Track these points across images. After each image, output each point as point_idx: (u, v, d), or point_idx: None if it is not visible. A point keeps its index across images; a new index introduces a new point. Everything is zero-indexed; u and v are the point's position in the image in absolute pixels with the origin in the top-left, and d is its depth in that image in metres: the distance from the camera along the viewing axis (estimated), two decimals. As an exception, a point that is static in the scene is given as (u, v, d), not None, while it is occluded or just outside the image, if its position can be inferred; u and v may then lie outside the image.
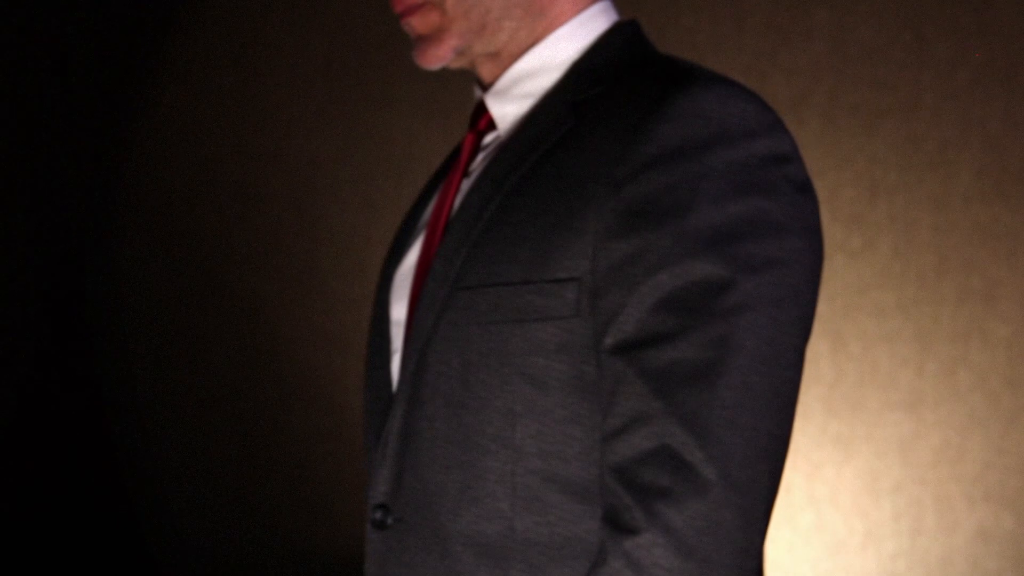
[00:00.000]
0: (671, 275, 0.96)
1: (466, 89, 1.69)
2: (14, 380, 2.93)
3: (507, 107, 1.15)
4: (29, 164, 2.98)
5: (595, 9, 1.18)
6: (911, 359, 2.46)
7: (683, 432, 0.94)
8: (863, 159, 2.48)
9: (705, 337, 0.95)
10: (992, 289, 2.42)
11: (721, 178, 0.99)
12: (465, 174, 1.14)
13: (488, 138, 1.17)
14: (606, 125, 1.05)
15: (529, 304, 1.01)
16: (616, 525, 0.94)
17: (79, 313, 3.01)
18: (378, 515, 1.11)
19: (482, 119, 1.17)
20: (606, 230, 0.98)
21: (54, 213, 2.99)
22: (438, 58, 1.13)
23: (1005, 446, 2.42)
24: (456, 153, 1.28)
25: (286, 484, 2.85)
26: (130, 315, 2.98)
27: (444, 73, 2.70)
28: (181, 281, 2.92)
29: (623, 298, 0.96)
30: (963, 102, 2.43)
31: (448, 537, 1.07)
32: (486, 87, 1.17)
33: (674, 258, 0.96)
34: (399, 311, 1.16)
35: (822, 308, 2.49)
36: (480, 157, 1.15)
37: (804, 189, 1.03)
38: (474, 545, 1.06)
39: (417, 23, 1.13)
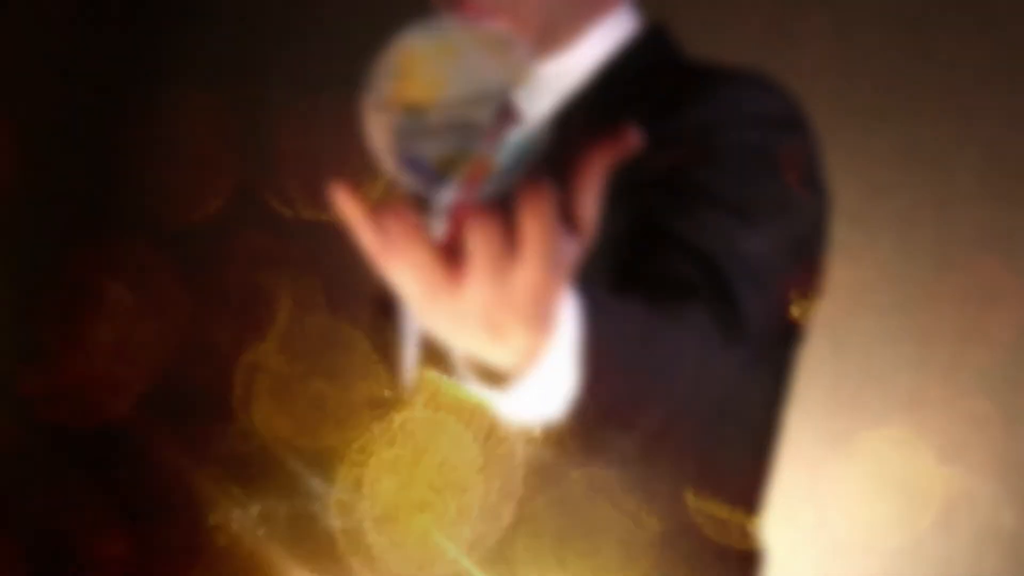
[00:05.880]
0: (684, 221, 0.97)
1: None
2: (13, 380, 2.92)
3: (535, 103, 1.15)
4: (28, 164, 2.97)
5: (624, 9, 1.18)
6: (911, 359, 2.46)
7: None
8: (863, 159, 2.48)
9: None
10: (993, 289, 2.42)
11: (739, 153, 0.99)
12: None
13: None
14: (635, 121, 1.05)
15: None
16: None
17: (78, 313, 3.00)
18: None
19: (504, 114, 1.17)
20: (625, 198, 0.98)
21: (53, 212, 2.99)
22: None
23: (1006, 446, 2.42)
24: None
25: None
26: (130, 315, 2.97)
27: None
28: (181, 281, 2.92)
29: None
30: (965, 101, 2.43)
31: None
32: None
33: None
34: None
35: (822, 308, 2.49)
36: None
37: (817, 189, 1.03)
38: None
39: None
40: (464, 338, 0.73)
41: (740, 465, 1.15)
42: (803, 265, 1.01)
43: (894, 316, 2.47)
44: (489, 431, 1.04)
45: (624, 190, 0.98)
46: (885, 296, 2.47)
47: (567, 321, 0.76)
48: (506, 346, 0.73)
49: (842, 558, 2.49)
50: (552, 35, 1.12)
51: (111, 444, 2.97)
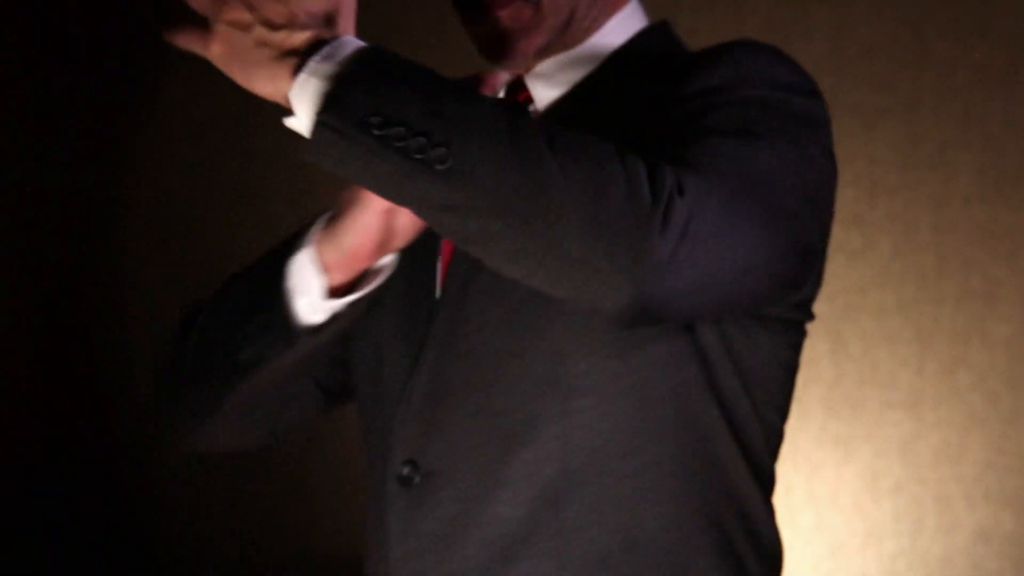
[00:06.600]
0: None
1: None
2: (13, 380, 2.92)
3: (548, 91, 1.15)
4: (28, 163, 2.97)
5: (634, 6, 1.19)
6: (911, 359, 2.46)
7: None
8: (863, 159, 2.48)
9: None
10: (992, 289, 2.42)
11: (746, 104, 0.98)
12: None
13: None
14: (642, 103, 1.05)
15: None
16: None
17: (78, 313, 3.01)
18: (406, 471, 1.09)
19: (518, 98, 1.18)
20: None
21: (53, 212, 2.99)
22: (523, 55, 1.12)
23: (1005, 446, 2.42)
24: None
25: (286, 484, 2.84)
26: (130, 315, 2.98)
27: (447, 69, 2.70)
28: (181, 281, 2.92)
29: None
30: (963, 102, 2.43)
31: (497, 483, 1.05)
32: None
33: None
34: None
35: (822, 308, 2.49)
36: None
37: (829, 156, 1.03)
38: (526, 489, 1.04)
39: (507, 18, 1.11)
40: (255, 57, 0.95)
41: (757, 446, 1.15)
42: (813, 215, 1.00)
43: (894, 316, 2.47)
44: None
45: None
46: (885, 296, 2.48)
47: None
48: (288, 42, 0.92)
49: (842, 558, 2.49)
50: (570, 27, 1.12)
51: (111, 445, 2.98)
